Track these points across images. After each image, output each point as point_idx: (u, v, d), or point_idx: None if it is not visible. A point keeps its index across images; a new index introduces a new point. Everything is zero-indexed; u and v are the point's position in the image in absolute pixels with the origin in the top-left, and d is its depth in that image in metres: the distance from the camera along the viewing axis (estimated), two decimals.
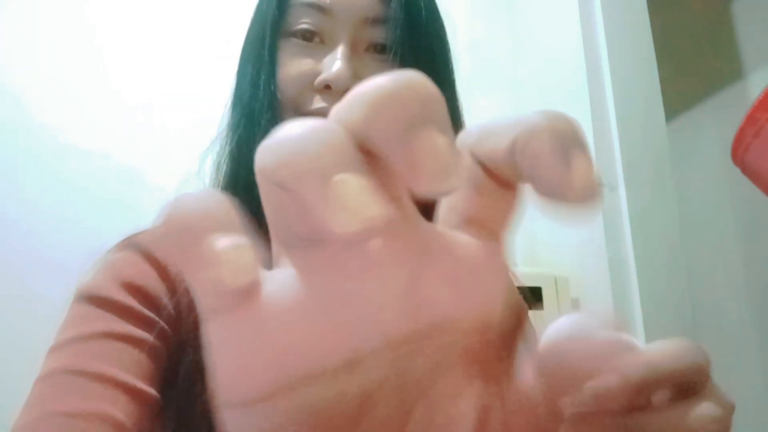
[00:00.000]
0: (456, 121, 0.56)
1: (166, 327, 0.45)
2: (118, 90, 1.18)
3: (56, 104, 1.14)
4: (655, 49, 1.27)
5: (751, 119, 0.85)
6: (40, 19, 1.17)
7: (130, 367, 0.41)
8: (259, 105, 0.51)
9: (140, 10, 1.24)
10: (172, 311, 0.46)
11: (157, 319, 0.45)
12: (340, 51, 0.50)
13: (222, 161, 0.53)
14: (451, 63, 0.57)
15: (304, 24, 0.52)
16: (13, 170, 1.09)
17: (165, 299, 0.46)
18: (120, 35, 1.21)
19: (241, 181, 0.50)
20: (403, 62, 0.51)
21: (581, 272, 1.11)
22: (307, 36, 0.52)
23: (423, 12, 0.54)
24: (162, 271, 0.47)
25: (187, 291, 0.47)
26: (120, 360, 0.41)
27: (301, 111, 0.51)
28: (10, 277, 1.03)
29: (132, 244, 0.49)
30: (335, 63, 0.49)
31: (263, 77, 0.51)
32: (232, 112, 0.54)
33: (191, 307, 0.47)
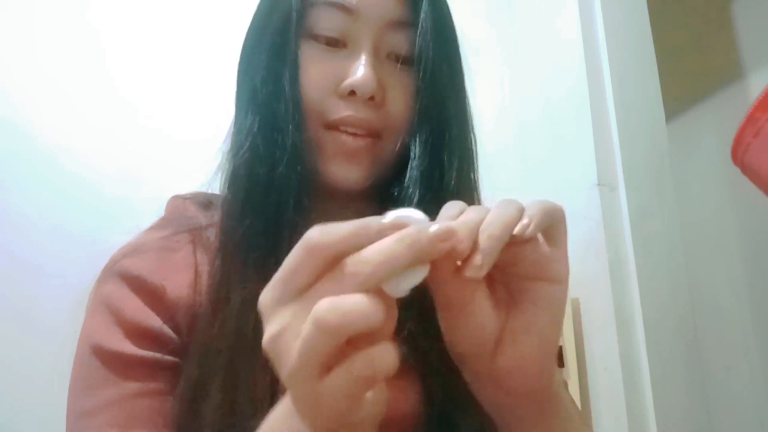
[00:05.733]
0: (468, 126, 0.56)
1: (175, 359, 0.46)
2: (119, 90, 1.18)
3: (56, 104, 1.14)
4: (655, 49, 1.27)
5: (751, 119, 0.85)
6: (41, 19, 1.17)
7: (158, 421, 0.44)
8: (282, 109, 0.49)
9: (141, 11, 1.24)
10: (175, 337, 0.47)
11: (167, 358, 0.46)
12: (364, 56, 0.50)
13: (238, 165, 0.50)
14: (463, 70, 0.57)
15: (328, 29, 0.51)
16: (13, 170, 1.09)
17: (166, 331, 0.47)
18: (121, 36, 1.21)
19: (259, 186, 0.48)
20: (426, 72, 0.51)
21: (581, 272, 1.11)
22: (332, 42, 0.51)
23: (445, 21, 0.54)
24: (152, 298, 0.47)
25: (182, 310, 0.47)
26: (149, 419, 0.44)
27: (325, 118, 0.50)
28: (9, 277, 1.03)
29: (118, 272, 0.49)
30: (360, 69, 0.49)
31: (286, 81, 0.50)
32: (245, 114, 0.51)
33: (188, 324, 0.47)
